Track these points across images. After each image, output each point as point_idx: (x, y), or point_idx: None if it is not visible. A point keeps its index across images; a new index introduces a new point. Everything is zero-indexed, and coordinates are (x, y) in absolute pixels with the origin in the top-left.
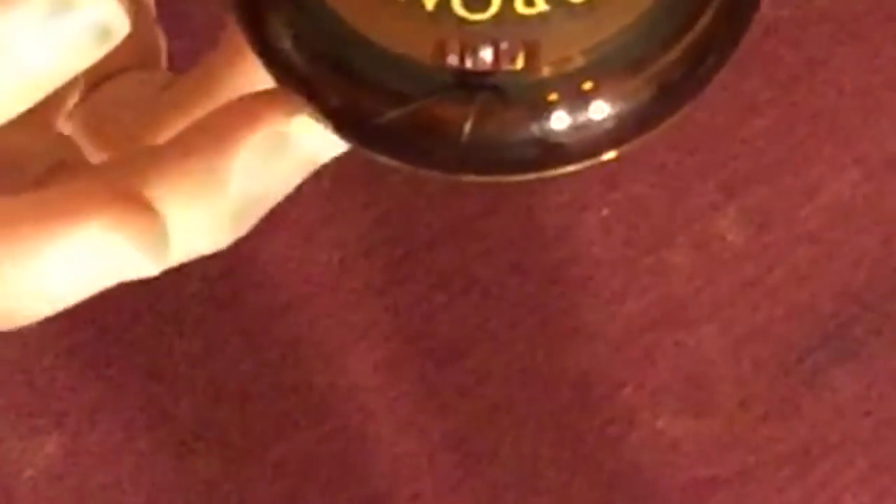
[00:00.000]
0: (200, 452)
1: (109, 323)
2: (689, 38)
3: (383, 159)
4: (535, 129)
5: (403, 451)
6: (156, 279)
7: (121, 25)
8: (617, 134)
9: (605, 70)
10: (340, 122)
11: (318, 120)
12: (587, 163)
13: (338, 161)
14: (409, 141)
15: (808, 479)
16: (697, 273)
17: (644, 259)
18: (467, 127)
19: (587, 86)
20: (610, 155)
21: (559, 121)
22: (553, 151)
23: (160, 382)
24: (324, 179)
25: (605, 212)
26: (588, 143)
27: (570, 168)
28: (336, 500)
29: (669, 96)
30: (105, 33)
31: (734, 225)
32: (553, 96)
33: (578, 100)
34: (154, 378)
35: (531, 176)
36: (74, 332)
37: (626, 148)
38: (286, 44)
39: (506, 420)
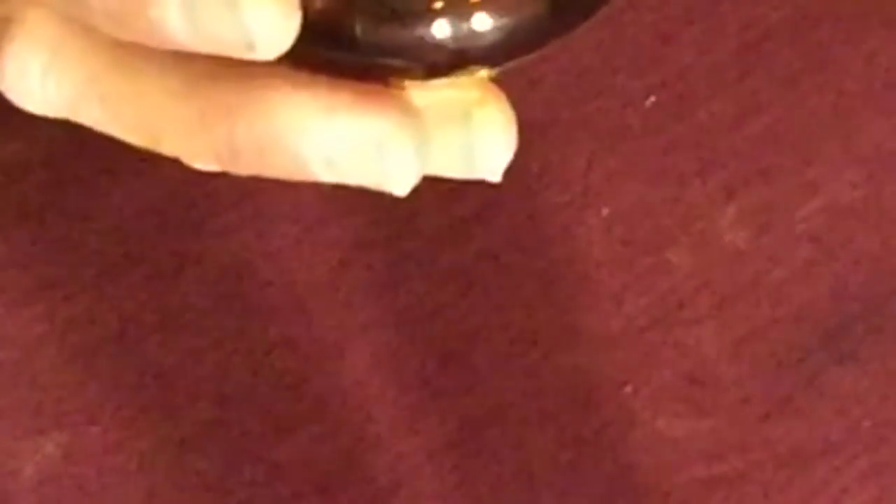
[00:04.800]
0: (200, 452)
1: (109, 323)
2: None
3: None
4: (418, 35)
5: (403, 451)
6: (155, 279)
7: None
8: (500, 48)
9: None
10: None
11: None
12: (466, 73)
13: None
14: (323, 40)
15: (808, 479)
16: (697, 273)
17: (644, 259)
18: (358, 29)
19: None
20: (488, 70)
21: (441, 29)
22: (437, 60)
23: (160, 382)
24: None
25: (605, 212)
26: (469, 55)
27: (453, 76)
28: (336, 500)
29: (557, 16)
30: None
31: (734, 225)
32: (438, 4)
33: (463, 10)
34: (154, 378)
35: (422, 81)
36: (74, 332)
37: (510, 64)
38: None
39: (506, 420)
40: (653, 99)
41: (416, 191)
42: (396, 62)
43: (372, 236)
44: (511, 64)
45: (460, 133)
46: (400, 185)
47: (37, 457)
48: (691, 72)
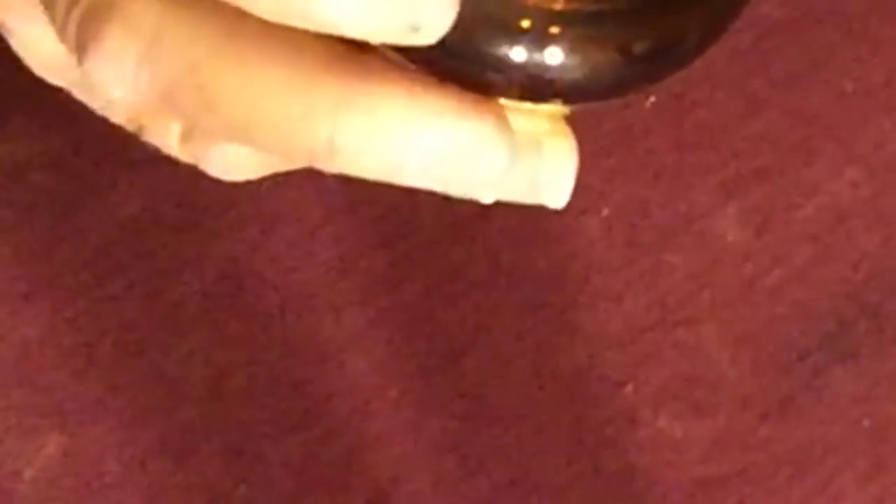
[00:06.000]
0: (200, 452)
1: (109, 323)
2: (671, 17)
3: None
4: (499, 52)
5: (403, 451)
6: (155, 279)
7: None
8: (571, 85)
9: (577, 21)
10: None
11: None
12: (545, 102)
13: None
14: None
15: (808, 479)
16: (697, 273)
17: (644, 259)
18: (448, 34)
19: (554, 29)
20: (563, 105)
21: (518, 53)
22: (519, 81)
23: (160, 382)
24: (324, 178)
25: (605, 212)
26: (542, 85)
27: (537, 103)
28: (336, 500)
29: (632, 66)
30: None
31: (734, 225)
32: (525, 23)
33: (541, 38)
34: (154, 378)
35: (513, 100)
36: (74, 331)
37: (587, 105)
38: None
39: (506, 420)
40: (653, 99)
41: (416, 191)
42: (485, 75)
43: (372, 236)
44: (588, 105)
45: (531, 159)
46: (489, 193)
47: (37, 457)
48: (691, 72)
